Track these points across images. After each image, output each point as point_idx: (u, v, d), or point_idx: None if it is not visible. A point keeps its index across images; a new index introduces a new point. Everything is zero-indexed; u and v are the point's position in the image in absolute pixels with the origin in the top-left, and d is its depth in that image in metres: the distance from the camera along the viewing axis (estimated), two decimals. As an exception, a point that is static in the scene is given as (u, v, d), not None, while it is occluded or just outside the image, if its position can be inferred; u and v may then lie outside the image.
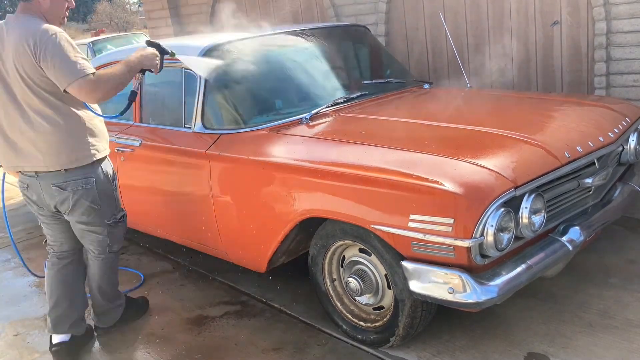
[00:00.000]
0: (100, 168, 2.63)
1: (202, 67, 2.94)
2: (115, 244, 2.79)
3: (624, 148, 2.86)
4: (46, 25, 2.40)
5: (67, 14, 2.59)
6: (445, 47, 4.61)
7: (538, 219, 2.24)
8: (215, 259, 3.23)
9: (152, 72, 2.67)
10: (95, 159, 2.58)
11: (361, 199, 2.31)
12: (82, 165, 2.54)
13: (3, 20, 2.52)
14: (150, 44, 2.70)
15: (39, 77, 2.40)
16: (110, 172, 2.71)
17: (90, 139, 2.57)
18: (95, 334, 2.98)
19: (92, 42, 12.38)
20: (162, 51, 2.70)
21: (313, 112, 2.97)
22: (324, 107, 3.04)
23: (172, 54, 2.79)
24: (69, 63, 2.34)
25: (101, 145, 2.63)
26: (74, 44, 2.42)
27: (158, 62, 2.67)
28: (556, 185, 2.39)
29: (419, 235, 2.13)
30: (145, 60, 2.61)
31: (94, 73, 2.37)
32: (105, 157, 2.68)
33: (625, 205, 2.76)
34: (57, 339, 2.81)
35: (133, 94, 2.65)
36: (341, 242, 2.56)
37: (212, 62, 2.98)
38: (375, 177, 2.27)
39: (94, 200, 2.60)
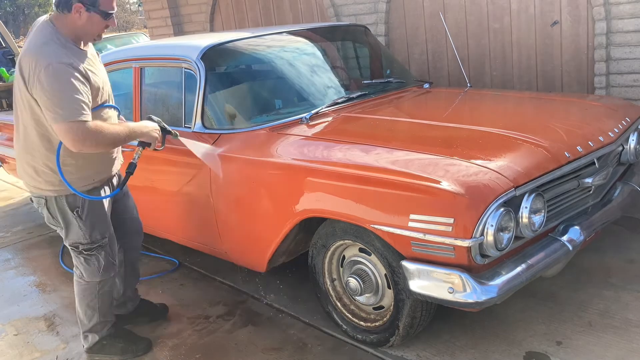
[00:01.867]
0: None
1: (201, 151, 2.87)
2: (83, 271, 2.62)
3: (623, 148, 2.87)
4: (47, 50, 2.23)
5: (104, 31, 2.42)
6: (445, 47, 4.61)
7: (538, 218, 2.24)
8: (215, 259, 3.23)
9: (148, 147, 2.57)
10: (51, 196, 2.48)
11: (361, 198, 2.31)
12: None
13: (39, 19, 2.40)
14: (151, 119, 2.63)
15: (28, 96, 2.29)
16: (72, 200, 2.49)
17: (50, 175, 2.45)
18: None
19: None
20: (164, 129, 2.63)
21: (313, 112, 2.97)
22: (323, 107, 3.04)
23: (175, 135, 2.70)
24: (62, 99, 2.19)
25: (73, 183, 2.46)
26: (80, 77, 2.25)
27: (158, 137, 2.58)
28: (556, 185, 2.39)
29: (419, 235, 2.13)
30: (144, 132, 2.51)
31: (87, 120, 2.22)
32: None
33: (625, 205, 2.76)
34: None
35: (132, 166, 2.53)
36: (341, 242, 2.56)
37: (206, 148, 2.88)
38: (375, 177, 2.27)
39: (48, 219, 2.55)
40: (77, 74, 2.24)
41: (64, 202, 2.48)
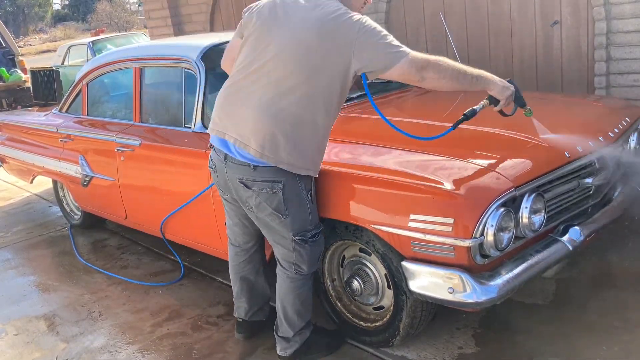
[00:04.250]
0: (295, 175, 2.26)
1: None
2: (304, 264, 2.39)
3: (624, 148, 2.86)
4: (352, 14, 2.18)
5: (366, 7, 2.38)
6: (446, 47, 4.61)
7: (538, 218, 2.24)
8: (215, 259, 3.23)
9: (495, 105, 2.30)
10: (303, 175, 2.27)
11: (361, 199, 2.31)
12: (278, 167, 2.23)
13: None
14: (510, 82, 2.32)
15: (321, 67, 2.16)
16: (307, 181, 2.32)
17: (315, 152, 2.28)
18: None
19: (92, 41, 12.34)
20: (519, 98, 2.32)
21: (313, 112, 2.96)
22: (324, 107, 3.03)
23: (529, 112, 2.38)
24: (389, 45, 2.12)
25: (319, 164, 2.34)
26: None
27: (510, 99, 2.29)
28: (556, 185, 2.39)
29: (419, 235, 2.13)
30: (500, 86, 2.25)
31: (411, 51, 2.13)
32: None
33: (625, 205, 2.76)
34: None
35: (471, 112, 2.27)
36: (341, 242, 2.56)
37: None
38: (375, 177, 2.27)
39: (278, 207, 2.26)
40: None
41: (303, 184, 2.29)
